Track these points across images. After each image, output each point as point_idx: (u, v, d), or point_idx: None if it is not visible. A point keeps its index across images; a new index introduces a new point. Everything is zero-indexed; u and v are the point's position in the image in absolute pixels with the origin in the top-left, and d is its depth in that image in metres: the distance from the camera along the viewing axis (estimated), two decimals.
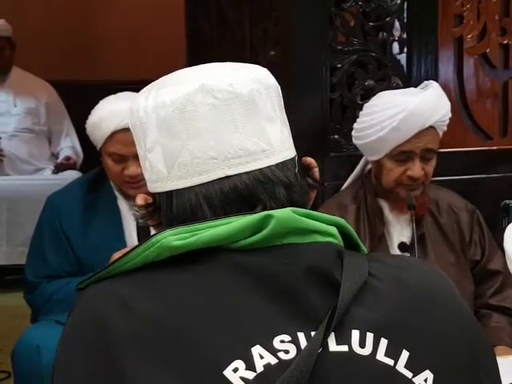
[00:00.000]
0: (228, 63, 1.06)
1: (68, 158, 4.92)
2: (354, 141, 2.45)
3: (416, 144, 2.29)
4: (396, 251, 2.36)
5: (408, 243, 2.37)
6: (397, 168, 2.32)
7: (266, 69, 1.05)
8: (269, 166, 0.98)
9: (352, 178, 2.56)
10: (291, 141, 1.04)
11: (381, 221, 2.39)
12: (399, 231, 2.39)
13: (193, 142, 0.97)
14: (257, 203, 0.97)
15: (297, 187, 1.00)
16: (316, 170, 1.06)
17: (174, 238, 0.92)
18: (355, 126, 2.45)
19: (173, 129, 0.98)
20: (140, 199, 1.04)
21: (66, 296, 2.35)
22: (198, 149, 0.97)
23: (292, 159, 1.02)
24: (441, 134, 2.35)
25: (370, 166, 2.49)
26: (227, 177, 0.97)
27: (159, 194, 1.01)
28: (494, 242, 2.47)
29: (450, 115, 2.35)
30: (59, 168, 4.85)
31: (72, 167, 4.88)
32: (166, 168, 0.99)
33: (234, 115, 0.98)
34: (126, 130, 2.36)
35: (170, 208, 1.00)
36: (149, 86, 1.04)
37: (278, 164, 0.99)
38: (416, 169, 2.30)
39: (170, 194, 1.00)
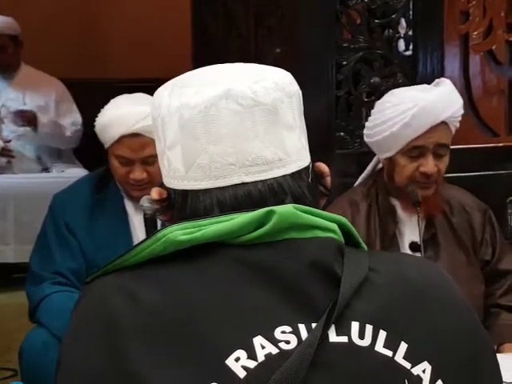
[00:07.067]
0: (251, 66, 1.06)
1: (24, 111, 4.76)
2: (366, 139, 2.42)
3: (428, 139, 2.28)
4: (407, 251, 2.34)
5: (420, 243, 2.34)
6: (410, 164, 2.30)
7: (289, 74, 1.05)
8: (284, 176, 0.99)
9: (363, 176, 2.53)
10: (307, 148, 1.05)
11: (392, 220, 2.37)
12: (411, 231, 2.37)
13: (213, 146, 0.98)
14: None
15: (309, 198, 1.00)
16: (328, 179, 1.06)
17: (180, 232, 0.94)
18: (367, 124, 2.41)
19: (195, 131, 0.98)
20: (155, 193, 1.04)
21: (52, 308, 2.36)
22: (217, 153, 0.98)
23: (306, 168, 1.02)
24: (453, 130, 2.33)
25: (381, 165, 2.46)
26: (243, 183, 0.98)
27: (174, 190, 1.02)
28: (506, 242, 2.46)
29: (462, 111, 2.33)
30: (15, 122, 4.67)
31: (30, 120, 4.70)
32: (184, 167, 1.00)
33: (255, 123, 0.98)
34: (136, 134, 2.36)
35: (184, 207, 1.00)
36: (172, 80, 1.04)
37: (293, 173, 1.00)
38: (429, 164, 2.28)
39: (185, 193, 1.00)
